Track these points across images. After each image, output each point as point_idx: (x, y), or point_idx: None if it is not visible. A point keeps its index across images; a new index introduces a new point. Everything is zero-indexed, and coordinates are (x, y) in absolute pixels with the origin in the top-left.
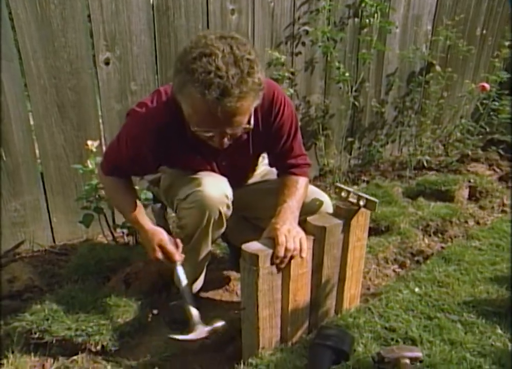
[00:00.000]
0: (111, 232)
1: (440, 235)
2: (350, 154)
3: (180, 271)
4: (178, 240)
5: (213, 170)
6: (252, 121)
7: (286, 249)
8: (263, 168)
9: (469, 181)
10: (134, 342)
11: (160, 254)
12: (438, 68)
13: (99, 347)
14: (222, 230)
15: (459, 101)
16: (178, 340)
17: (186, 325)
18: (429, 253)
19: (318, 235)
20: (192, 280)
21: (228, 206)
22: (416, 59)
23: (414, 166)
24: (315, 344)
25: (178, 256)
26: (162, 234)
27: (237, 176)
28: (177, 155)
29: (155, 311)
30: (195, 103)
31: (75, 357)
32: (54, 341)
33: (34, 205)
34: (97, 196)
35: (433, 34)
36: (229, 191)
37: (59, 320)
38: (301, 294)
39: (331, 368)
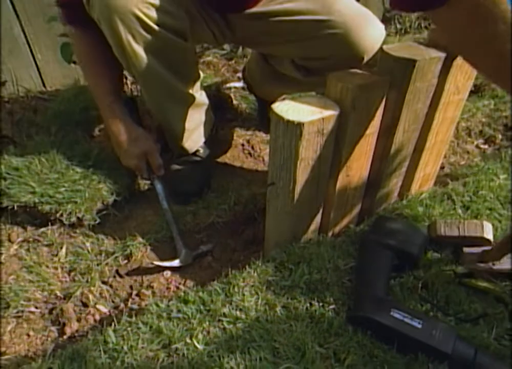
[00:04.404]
0: None
1: None
2: None
3: (161, 188)
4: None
5: None
6: None
7: None
8: None
9: None
10: (122, 216)
11: (143, 165)
12: None
13: (73, 219)
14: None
15: None
16: (162, 266)
17: (192, 197)
18: None
19: (398, 75)
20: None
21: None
22: None
23: None
24: (370, 240)
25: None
26: (150, 140)
27: None
28: None
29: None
30: None
31: (44, 229)
32: (16, 207)
33: (4, 32)
34: None
35: None
36: None
37: (19, 180)
38: (357, 166)
39: (391, 276)
